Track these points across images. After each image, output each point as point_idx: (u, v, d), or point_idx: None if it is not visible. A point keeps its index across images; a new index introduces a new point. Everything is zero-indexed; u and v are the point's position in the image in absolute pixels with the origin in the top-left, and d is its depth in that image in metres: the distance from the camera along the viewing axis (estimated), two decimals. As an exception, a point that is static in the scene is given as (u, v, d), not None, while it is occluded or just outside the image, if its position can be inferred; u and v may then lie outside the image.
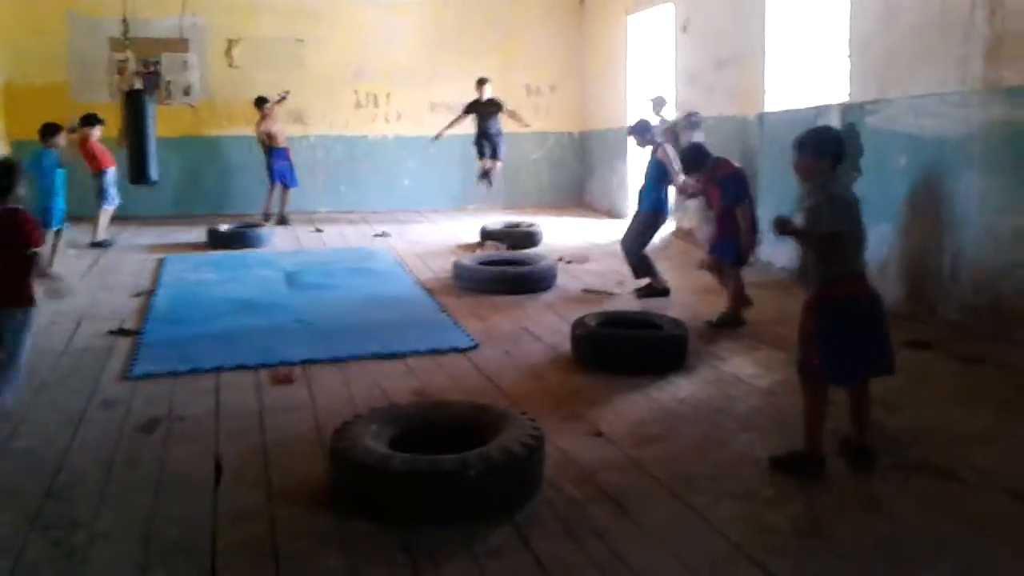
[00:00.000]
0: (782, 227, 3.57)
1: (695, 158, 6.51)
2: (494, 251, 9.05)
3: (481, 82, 11.45)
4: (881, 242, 6.64)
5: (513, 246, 9.38)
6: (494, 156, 11.57)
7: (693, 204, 9.14)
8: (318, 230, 11.31)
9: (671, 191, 7.25)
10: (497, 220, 10.86)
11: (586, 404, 4.62)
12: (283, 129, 11.88)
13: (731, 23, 9.09)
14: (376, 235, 10.85)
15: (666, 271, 7.52)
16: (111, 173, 9.95)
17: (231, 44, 12.80)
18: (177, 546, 3.16)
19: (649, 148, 7.31)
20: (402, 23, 13.30)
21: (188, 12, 12.00)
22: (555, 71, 13.88)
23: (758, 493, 3.52)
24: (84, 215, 10.00)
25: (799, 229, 3.63)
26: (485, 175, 11.60)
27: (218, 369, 5.26)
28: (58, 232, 8.38)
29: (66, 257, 8.35)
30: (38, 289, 4.46)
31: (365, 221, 12.14)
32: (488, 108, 11.43)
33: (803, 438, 3.71)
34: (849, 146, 6.94)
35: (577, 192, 14.16)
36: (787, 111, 8.12)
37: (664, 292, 7.15)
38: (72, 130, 9.37)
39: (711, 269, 6.51)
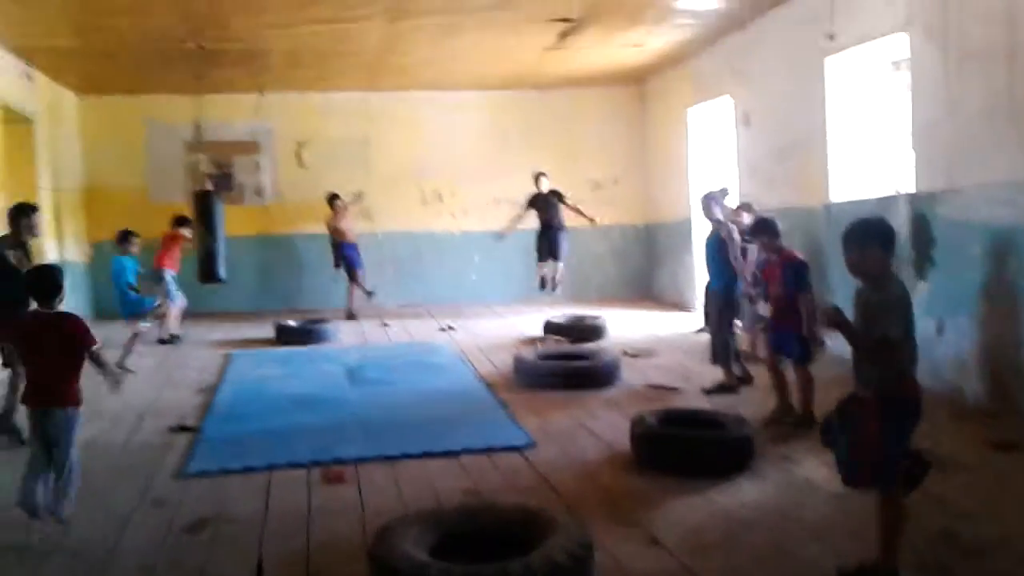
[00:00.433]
0: (832, 319, 3.40)
1: (765, 225, 6.33)
2: (555, 345, 8.93)
3: (538, 176, 11.58)
4: (959, 335, 6.36)
5: (576, 340, 9.26)
6: (554, 256, 11.56)
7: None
8: (384, 324, 11.39)
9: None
10: (562, 313, 10.78)
11: (642, 507, 4.41)
12: (352, 226, 12.11)
13: (791, 113, 9.02)
14: (441, 329, 10.87)
15: (719, 370, 7.25)
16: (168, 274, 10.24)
17: (300, 146, 13.25)
18: (208, 657, 3.05)
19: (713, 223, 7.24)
20: (464, 120, 13.62)
21: (259, 117, 12.52)
22: (618, 164, 13.95)
23: (825, 610, 3.27)
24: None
25: (850, 328, 3.44)
26: (543, 284, 11.58)
27: (271, 467, 5.22)
28: (136, 335, 8.58)
29: (135, 354, 8.52)
30: (106, 382, 4.54)
31: (431, 315, 12.19)
32: (548, 200, 11.51)
33: (877, 550, 3.44)
34: (920, 237, 6.77)
35: (644, 285, 14.03)
36: (853, 202, 7.93)
37: (733, 389, 6.92)
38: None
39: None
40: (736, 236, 7.10)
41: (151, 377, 8.18)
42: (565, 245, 11.63)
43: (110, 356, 8.51)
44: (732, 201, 9.96)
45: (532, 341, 9.48)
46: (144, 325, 8.81)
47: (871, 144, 8.08)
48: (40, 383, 4.29)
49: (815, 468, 4.94)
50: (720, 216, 7.33)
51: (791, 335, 5.93)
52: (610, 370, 7.42)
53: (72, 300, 11.32)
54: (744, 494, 4.57)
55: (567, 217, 11.63)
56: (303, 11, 8.52)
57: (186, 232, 10.21)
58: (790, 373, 6.05)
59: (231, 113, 12.67)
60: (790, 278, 5.99)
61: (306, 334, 10.09)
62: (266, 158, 13.15)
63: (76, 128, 12.48)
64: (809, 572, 3.61)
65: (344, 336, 10.46)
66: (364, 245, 12.50)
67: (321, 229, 12.14)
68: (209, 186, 10.02)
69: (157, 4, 8.13)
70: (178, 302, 10.32)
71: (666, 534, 4.04)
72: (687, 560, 3.74)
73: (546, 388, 7.15)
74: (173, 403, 7.09)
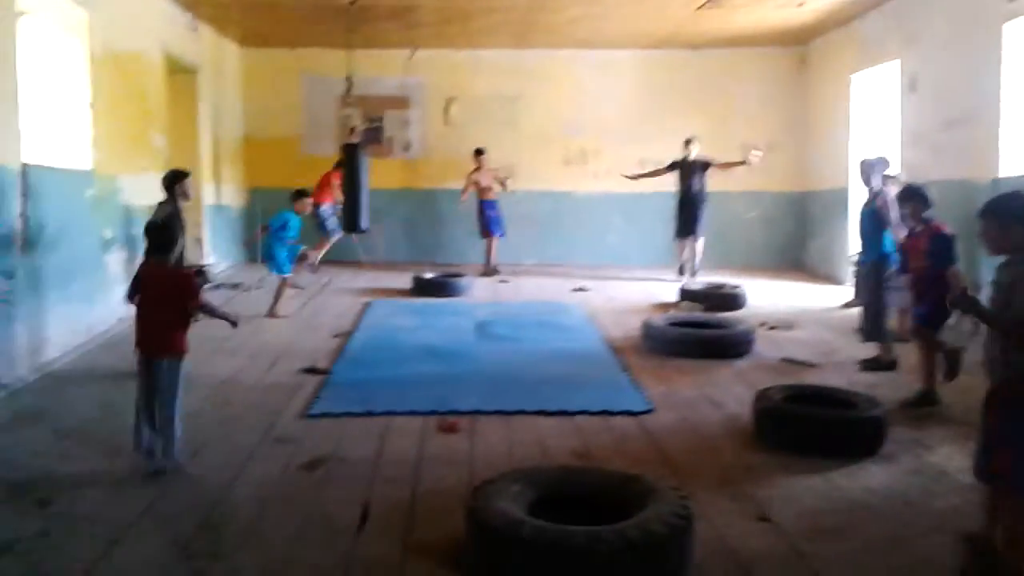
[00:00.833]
0: (964, 304, 3.12)
1: (916, 191, 5.94)
2: (688, 312, 8.69)
3: (688, 141, 11.31)
4: None
5: (712, 308, 8.97)
6: (694, 232, 11.30)
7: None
8: (502, 281, 11.48)
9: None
10: (702, 280, 10.50)
11: (757, 484, 4.22)
12: (492, 184, 12.16)
13: (962, 80, 8.34)
14: (574, 289, 10.79)
15: (867, 346, 6.86)
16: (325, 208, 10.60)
17: (449, 102, 13.36)
18: (303, 590, 3.14)
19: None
20: (615, 80, 13.35)
21: (410, 73, 12.71)
22: (773, 129, 13.33)
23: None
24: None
25: (983, 309, 3.14)
26: (682, 271, 11.29)
27: (390, 413, 5.32)
28: (286, 279, 8.94)
29: (284, 299, 8.90)
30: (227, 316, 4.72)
31: (567, 275, 12.12)
32: (693, 168, 11.24)
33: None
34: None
35: (795, 255, 13.42)
36: (1025, 176, 7.28)
37: (891, 366, 6.54)
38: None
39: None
40: (894, 206, 6.65)
41: (292, 320, 8.51)
42: (705, 215, 11.35)
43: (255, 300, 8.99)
44: (892, 171, 9.40)
45: (665, 307, 9.27)
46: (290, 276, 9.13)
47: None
48: (146, 331, 4.42)
49: (949, 455, 4.61)
50: (878, 185, 6.90)
51: (926, 306, 5.56)
52: (743, 341, 7.15)
53: (225, 243, 12.00)
54: (869, 478, 4.30)
55: (713, 182, 11.31)
56: (452, -35, 8.52)
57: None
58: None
59: (383, 68, 12.91)
60: (936, 251, 5.58)
61: (442, 287, 10.24)
62: (415, 113, 13.36)
63: (237, 79, 13.04)
64: (926, 566, 3.37)
65: (478, 291, 10.55)
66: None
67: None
68: (355, 139, 10.23)
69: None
70: (333, 236, 10.76)
71: (779, 513, 3.85)
72: (797, 542, 3.56)
73: (675, 356, 6.96)
74: (309, 346, 7.34)
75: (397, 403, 5.49)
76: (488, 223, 12.13)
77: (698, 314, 8.51)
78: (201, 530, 3.63)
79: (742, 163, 11.37)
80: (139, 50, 8.95)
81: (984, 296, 3.46)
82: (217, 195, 11.76)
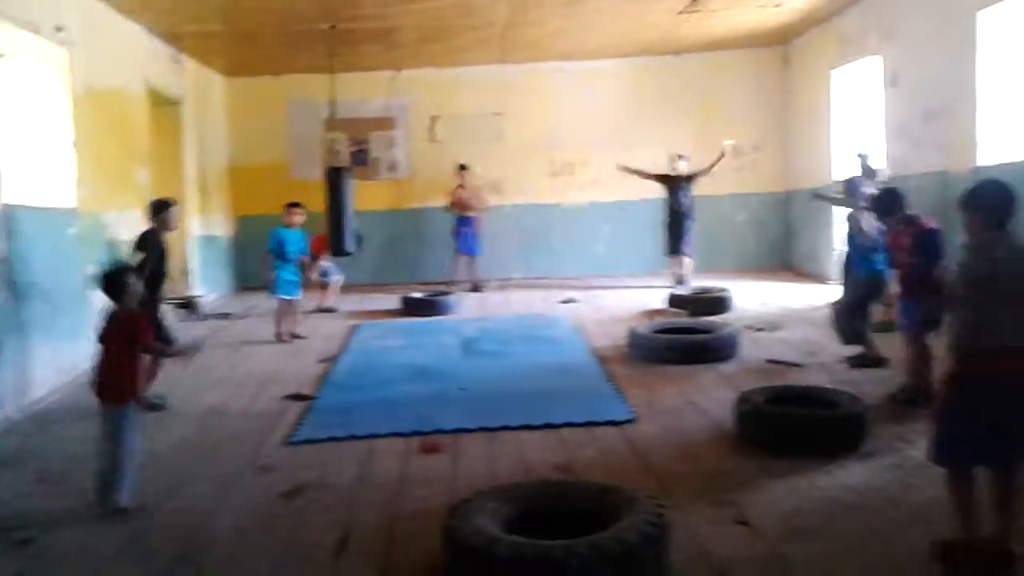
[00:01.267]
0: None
1: (890, 201, 5.88)
2: (674, 318, 8.70)
3: (677, 158, 11.53)
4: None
5: (698, 312, 8.98)
6: (683, 251, 11.48)
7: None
8: (477, 291, 11.66)
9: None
10: (689, 285, 10.51)
11: (738, 488, 4.22)
12: (471, 200, 12.15)
13: (940, 72, 8.37)
14: (562, 301, 10.80)
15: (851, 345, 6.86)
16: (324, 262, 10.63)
17: (433, 121, 13.42)
18: (277, 620, 3.14)
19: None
20: (599, 89, 13.39)
21: (394, 94, 12.77)
22: (758, 130, 13.37)
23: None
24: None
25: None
26: (679, 282, 11.33)
27: (374, 436, 5.32)
28: (290, 301, 8.93)
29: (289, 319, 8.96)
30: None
31: (556, 287, 12.13)
32: (680, 184, 11.48)
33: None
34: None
35: (783, 254, 13.45)
36: (1002, 165, 7.28)
37: (879, 362, 6.53)
38: None
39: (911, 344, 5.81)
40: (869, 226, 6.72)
41: (278, 347, 8.51)
42: (693, 235, 11.47)
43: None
44: (877, 163, 9.45)
45: (652, 314, 9.27)
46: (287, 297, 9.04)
47: (1025, 103, 7.39)
48: (99, 375, 4.40)
49: (931, 450, 4.60)
50: (862, 201, 6.97)
51: (914, 304, 5.54)
52: (728, 344, 7.15)
53: (215, 273, 12.01)
54: (850, 476, 4.30)
55: (701, 187, 11.45)
56: (430, -14, 8.58)
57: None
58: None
59: (368, 90, 12.99)
60: (922, 247, 5.55)
61: (430, 306, 10.25)
62: (400, 133, 13.41)
63: (222, 108, 13.10)
64: (906, 559, 3.37)
65: (468, 308, 10.55)
66: (492, 217, 12.58)
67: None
68: (338, 163, 10.25)
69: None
70: (334, 281, 10.77)
71: (759, 517, 3.85)
72: (776, 544, 3.56)
73: (660, 362, 6.97)
74: (295, 372, 7.34)
75: (380, 425, 5.49)
76: (462, 241, 12.13)
77: (684, 319, 8.51)
78: (180, 563, 3.63)
79: (720, 156, 11.50)
80: (121, 85, 9.01)
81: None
82: (205, 225, 11.79)
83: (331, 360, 7.74)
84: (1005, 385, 3.21)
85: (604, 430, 5.29)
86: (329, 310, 10.58)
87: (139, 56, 9.65)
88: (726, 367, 6.85)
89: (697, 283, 10.80)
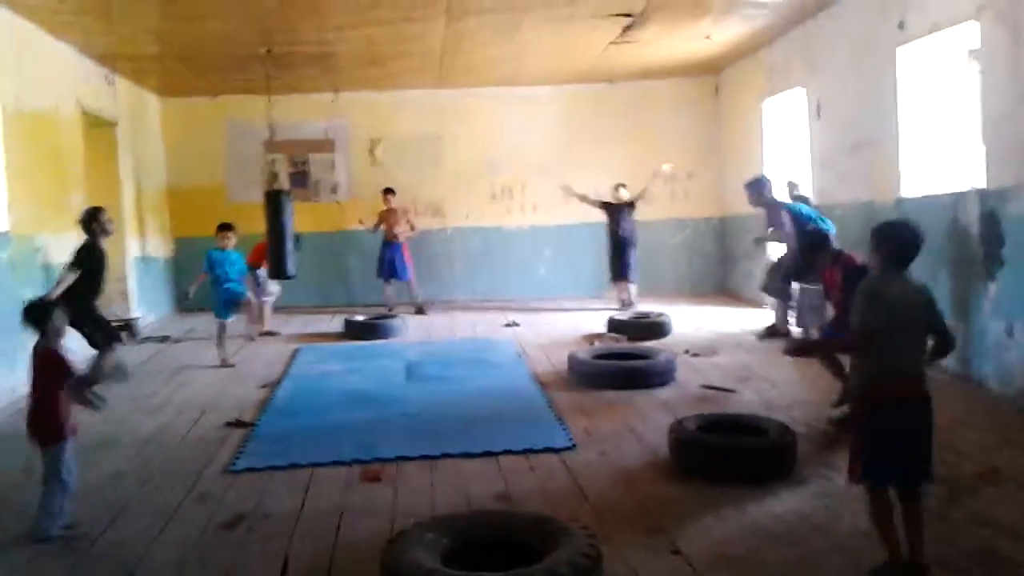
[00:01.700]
0: (797, 351, 4.13)
1: (814, 244, 6.21)
2: (613, 343, 8.87)
3: (618, 187, 11.80)
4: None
5: (637, 337, 9.16)
6: (626, 277, 11.78)
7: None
8: (419, 312, 11.58)
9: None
10: (627, 310, 10.70)
11: (671, 516, 4.35)
12: (395, 226, 12.14)
13: (862, 106, 8.71)
14: (506, 324, 10.91)
15: (782, 368, 7.12)
16: (262, 272, 10.55)
17: (373, 143, 13.47)
18: (217, 656, 3.16)
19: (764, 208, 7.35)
20: (535, 115, 13.59)
21: (334, 116, 12.80)
22: (692, 157, 13.69)
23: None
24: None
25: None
26: (623, 305, 11.63)
27: (314, 464, 5.34)
28: (222, 323, 8.89)
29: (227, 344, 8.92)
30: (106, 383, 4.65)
31: (499, 309, 12.25)
32: (623, 211, 11.79)
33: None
34: (989, 235, 6.46)
35: (719, 279, 13.78)
36: (925, 197, 7.61)
37: (785, 334, 6.99)
38: None
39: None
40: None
41: (219, 371, 8.45)
42: (635, 261, 11.74)
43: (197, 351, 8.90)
44: (805, 192, 9.79)
45: (590, 339, 9.44)
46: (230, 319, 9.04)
47: (945, 137, 7.73)
48: (30, 415, 4.37)
49: (857, 478, 4.79)
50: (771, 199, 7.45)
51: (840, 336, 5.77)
52: (665, 370, 7.32)
53: (153, 294, 11.85)
54: (779, 504, 4.45)
55: (638, 213, 11.74)
56: (364, 14, 8.63)
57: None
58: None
59: (307, 112, 12.97)
60: (848, 284, 5.78)
61: (373, 329, 10.27)
62: (340, 156, 13.41)
63: (158, 130, 12.96)
64: (827, 588, 3.52)
65: (411, 331, 10.60)
66: (434, 240, 12.66)
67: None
68: (278, 185, 10.23)
69: (229, 10, 8.35)
70: (267, 297, 10.72)
71: (689, 545, 3.97)
72: (705, 572, 3.68)
73: (599, 388, 7.11)
74: (236, 398, 7.30)
75: (322, 454, 5.51)
76: (385, 266, 12.12)
77: (622, 344, 8.68)
78: (118, 599, 3.62)
79: (653, 176, 11.84)
80: (53, 107, 8.89)
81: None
82: (142, 247, 11.64)
83: (272, 385, 7.72)
84: (909, 409, 3.48)
85: (543, 457, 5.39)
86: (270, 333, 10.53)
87: (71, 77, 9.53)
88: (663, 392, 7.01)
89: (637, 308, 11.00)
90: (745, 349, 8.71)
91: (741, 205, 12.79)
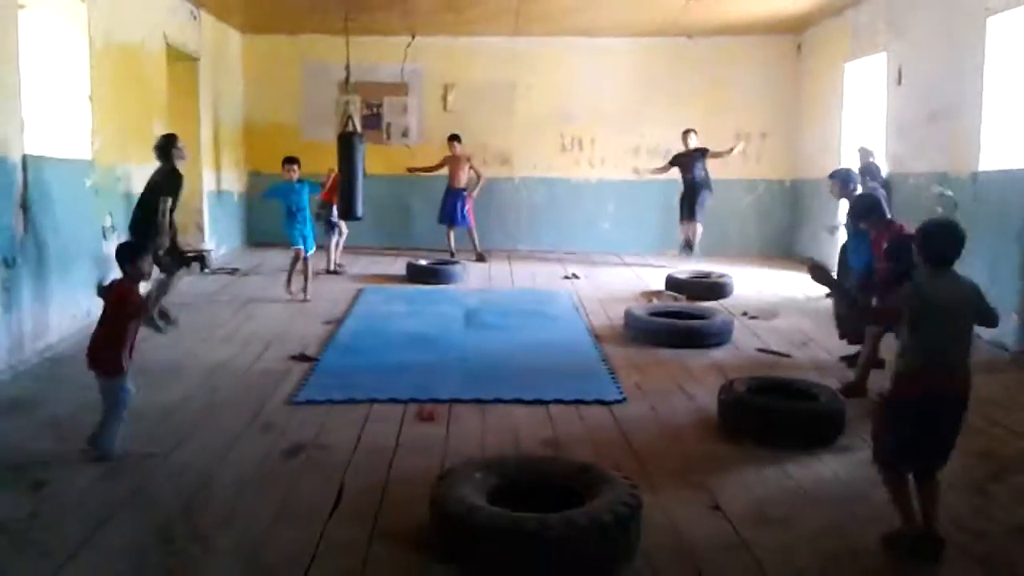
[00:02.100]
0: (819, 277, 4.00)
1: (867, 205, 6.13)
2: (671, 301, 8.89)
3: (687, 133, 11.61)
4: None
5: (696, 297, 9.17)
6: (692, 215, 11.56)
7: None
8: (480, 260, 11.97)
9: None
10: (691, 269, 10.68)
11: (714, 474, 4.43)
12: (459, 173, 12.25)
13: (946, 75, 8.46)
14: (566, 277, 10.99)
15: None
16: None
17: (447, 89, 13.53)
18: (272, 570, 3.37)
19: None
20: (610, 67, 13.48)
21: (409, 59, 12.88)
22: (767, 118, 13.47)
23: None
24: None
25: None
26: (688, 245, 11.56)
27: (372, 401, 5.54)
28: (306, 259, 9.18)
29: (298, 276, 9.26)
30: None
31: (560, 262, 12.32)
32: (693, 157, 11.61)
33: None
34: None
35: (787, 243, 13.60)
36: (1003, 171, 7.41)
37: (876, 364, 6.53)
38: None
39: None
40: None
41: (286, 307, 8.73)
42: (707, 204, 11.65)
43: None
44: (878, 160, 9.59)
45: (649, 296, 9.47)
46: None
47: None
48: (91, 345, 4.58)
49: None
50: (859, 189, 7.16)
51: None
52: (721, 331, 7.34)
53: (226, 227, 12.21)
54: (822, 469, 4.51)
55: (715, 170, 11.62)
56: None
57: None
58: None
59: (383, 55, 13.09)
60: (893, 253, 5.70)
61: (435, 274, 10.44)
62: (413, 100, 13.53)
63: (238, 66, 13.24)
64: (856, 554, 3.57)
65: (472, 278, 10.75)
66: (500, 189, 12.75)
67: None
68: (351, 127, 10.39)
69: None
70: (337, 235, 11.01)
71: (730, 503, 4.05)
72: (743, 530, 3.76)
73: (654, 345, 7.17)
74: (301, 333, 7.55)
75: (380, 391, 5.70)
76: (443, 212, 12.22)
77: (681, 303, 8.70)
78: (182, 513, 3.86)
79: (730, 150, 11.83)
80: (140, 40, 9.14)
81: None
82: (217, 181, 11.97)
83: (336, 322, 7.96)
84: (940, 407, 3.51)
85: (593, 408, 5.50)
86: (337, 271, 10.80)
87: (158, 11, 9.77)
88: (717, 353, 7.05)
89: (698, 267, 10.96)
90: (805, 315, 8.65)
91: (814, 168, 12.61)
